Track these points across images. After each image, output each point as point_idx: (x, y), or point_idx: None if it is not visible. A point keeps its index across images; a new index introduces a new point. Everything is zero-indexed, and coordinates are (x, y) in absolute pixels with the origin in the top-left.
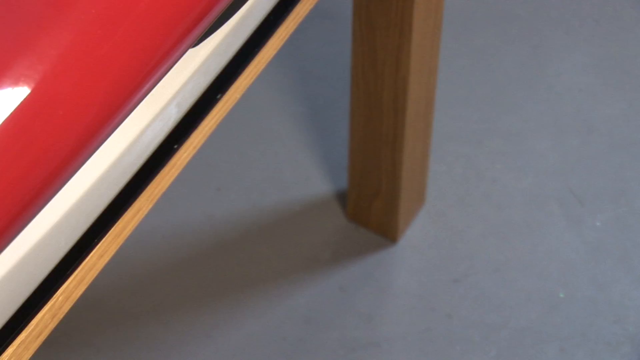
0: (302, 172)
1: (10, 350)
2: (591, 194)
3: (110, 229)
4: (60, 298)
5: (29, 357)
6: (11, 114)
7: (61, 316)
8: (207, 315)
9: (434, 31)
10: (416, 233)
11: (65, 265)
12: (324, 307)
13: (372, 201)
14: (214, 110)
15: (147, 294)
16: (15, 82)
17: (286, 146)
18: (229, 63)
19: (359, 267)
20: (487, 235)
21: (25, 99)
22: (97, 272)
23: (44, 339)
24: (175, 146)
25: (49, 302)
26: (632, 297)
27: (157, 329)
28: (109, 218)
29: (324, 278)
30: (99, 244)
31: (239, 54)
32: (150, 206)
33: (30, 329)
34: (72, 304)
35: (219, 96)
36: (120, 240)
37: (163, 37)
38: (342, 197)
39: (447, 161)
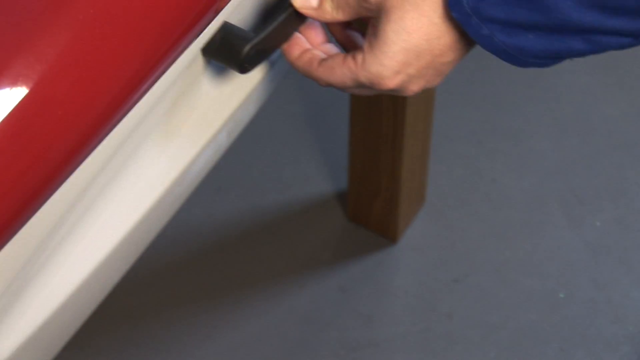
0: (302, 172)
1: None
2: (591, 194)
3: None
4: None
5: None
6: (10, 113)
7: None
8: (207, 315)
9: None
10: (416, 233)
11: None
12: (324, 306)
13: (372, 201)
14: None
15: (147, 293)
16: (15, 82)
17: (286, 146)
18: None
19: (359, 267)
20: (487, 235)
21: (24, 99)
22: None
23: None
24: None
25: None
26: (632, 297)
27: (157, 328)
28: None
29: (324, 278)
30: None
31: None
32: None
33: None
34: None
35: None
36: None
37: (162, 36)
38: (342, 197)
39: (447, 161)
